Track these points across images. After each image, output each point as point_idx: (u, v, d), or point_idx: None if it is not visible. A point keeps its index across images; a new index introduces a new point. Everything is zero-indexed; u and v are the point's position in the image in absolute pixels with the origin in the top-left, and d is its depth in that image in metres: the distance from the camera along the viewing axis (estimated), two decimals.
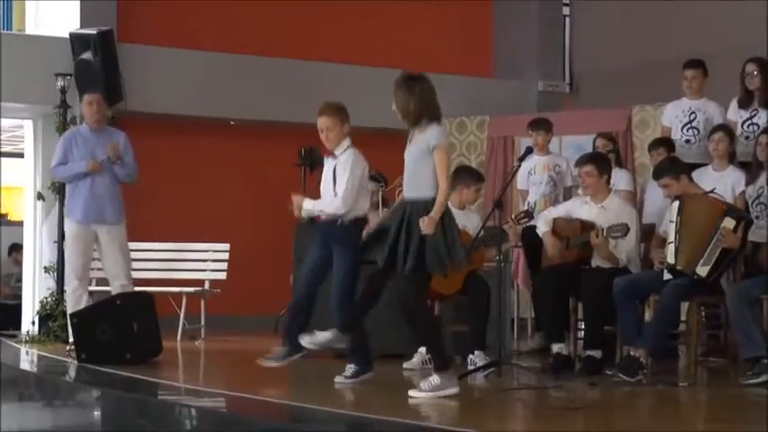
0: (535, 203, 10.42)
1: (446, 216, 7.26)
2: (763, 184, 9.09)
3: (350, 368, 8.00)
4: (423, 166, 7.30)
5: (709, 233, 8.38)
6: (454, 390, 7.23)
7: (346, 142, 8.02)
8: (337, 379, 7.99)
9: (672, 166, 8.92)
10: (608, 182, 9.23)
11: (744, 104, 9.75)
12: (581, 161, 9.22)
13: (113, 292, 9.87)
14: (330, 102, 8.10)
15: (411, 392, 7.21)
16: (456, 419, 6.61)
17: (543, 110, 13.34)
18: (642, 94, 12.78)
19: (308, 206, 8.03)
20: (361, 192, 7.92)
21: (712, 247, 8.35)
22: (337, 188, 7.90)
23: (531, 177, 10.57)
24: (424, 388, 7.19)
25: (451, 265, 7.30)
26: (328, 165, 8.08)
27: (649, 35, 13.68)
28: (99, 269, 10.38)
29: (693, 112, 10.12)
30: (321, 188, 8.13)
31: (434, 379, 7.22)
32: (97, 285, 10.50)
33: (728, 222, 8.38)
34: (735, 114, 9.81)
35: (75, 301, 9.86)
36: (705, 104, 10.14)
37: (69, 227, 10.03)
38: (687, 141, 10.06)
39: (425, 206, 7.22)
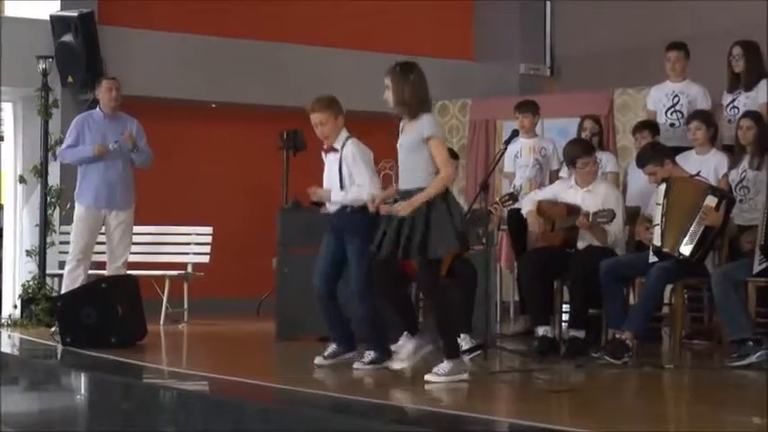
0: (521, 186, 10.42)
1: (448, 200, 7.22)
2: (745, 168, 9.13)
3: (369, 354, 7.95)
4: (417, 157, 7.25)
5: (692, 213, 8.43)
6: (465, 375, 7.19)
7: (344, 134, 8.01)
8: (355, 365, 7.93)
9: (655, 152, 8.94)
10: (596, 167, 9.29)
11: (730, 88, 9.78)
12: (580, 153, 9.11)
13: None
14: (321, 96, 8.05)
15: (427, 377, 7.12)
16: (443, 402, 6.62)
17: (525, 93, 13.32)
18: (624, 77, 12.78)
19: (338, 197, 7.95)
20: (373, 178, 7.92)
21: (695, 225, 8.41)
22: (356, 178, 7.89)
23: (518, 160, 10.55)
24: (440, 372, 7.14)
25: (461, 245, 7.34)
26: (330, 160, 8.04)
27: (631, 18, 13.69)
28: (97, 253, 10.43)
29: (677, 95, 10.14)
30: (325, 183, 8.08)
31: (446, 365, 7.15)
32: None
33: (711, 201, 8.44)
34: (724, 99, 9.84)
35: (70, 282, 10.01)
36: (688, 87, 10.16)
37: (78, 210, 10.20)
38: (672, 125, 10.09)
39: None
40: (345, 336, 8.08)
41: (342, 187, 7.95)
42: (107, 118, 10.26)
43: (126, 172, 10.24)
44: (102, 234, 10.30)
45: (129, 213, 10.26)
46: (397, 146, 7.39)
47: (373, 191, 7.85)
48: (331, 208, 8.07)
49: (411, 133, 7.28)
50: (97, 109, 10.40)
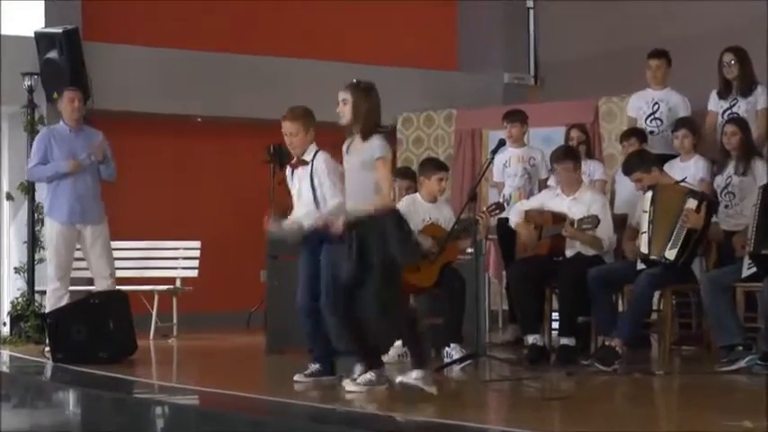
0: (510, 196, 10.44)
1: (400, 220, 7.22)
2: (731, 174, 9.19)
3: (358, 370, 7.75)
4: (367, 177, 7.24)
5: (675, 217, 8.49)
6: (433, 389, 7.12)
7: (313, 147, 7.97)
8: (296, 377, 7.92)
9: (641, 160, 9.01)
10: (579, 174, 9.31)
11: (723, 95, 9.84)
12: (558, 158, 9.24)
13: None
14: (294, 107, 8.04)
15: (345, 386, 7.21)
16: (435, 412, 6.63)
17: (509, 102, 13.37)
18: (608, 84, 12.82)
19: (310, 221, 7.82)
20: (336, 196, 7.80)
21: (678, 229, 8.48)
22: (326, 191, 7.84)
23: (507, 170, 10.55)
24: (360, 381, 7.19)
25: (402, 262, 7.26)
26: (300, 175, 7.98)
27: (614, 26, 13.73)
28: (79, 269, 10.36)
29: (657, 103, 10.24)
30: (295, 199, 8.03)
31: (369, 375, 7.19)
32: (75, 285, 10.41)
33: (691, 203, 8.52)
34: (715, 105, 9.90)
35: (55, 301, 9.81)
36: (668, 95, 10.24)
37: (52, 227, 9.99)
38: (651, 132, 10.16)
39: (376, 217, 7.15)
40: (327, 356, 7.97)
41: (315, 199, 7.88)
42: (72, 131, 10.02)
43: (95, 185, 10.03)
44: (79, 250, 10.14)
45: (103, 227, 10.04)
46: (345, 166, 7.36)
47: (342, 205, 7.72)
48: (306, 221, 7.91)
49: (362, 154, 7.24)
50: (60, 123, 10.17)
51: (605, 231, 8.93)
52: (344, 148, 7.39)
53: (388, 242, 7.11)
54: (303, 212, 7.95)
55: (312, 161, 7.92)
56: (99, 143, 9.97)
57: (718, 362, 8.17)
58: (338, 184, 7.77)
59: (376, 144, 7.23)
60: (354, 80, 7.37)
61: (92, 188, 9.99)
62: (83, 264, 10.25)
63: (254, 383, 8.45)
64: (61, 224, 9.93)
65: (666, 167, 9.27)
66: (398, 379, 7.16)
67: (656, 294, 8.84)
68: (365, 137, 7.25)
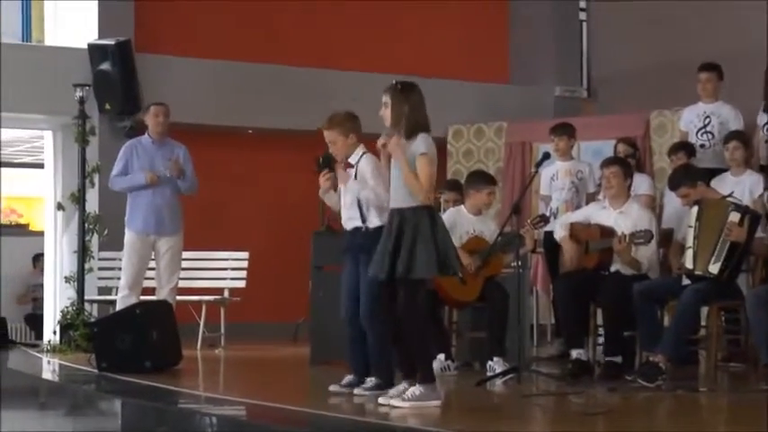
0: (557, 209, 10.38)
1: (436, 223, 7.18)
2: None
3: (370, 380, 7.78)
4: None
5: (719, 231, 8.41)
6: (437, 402, 7.11)
7: (359, 150, 7.93)
8: (356, 390, 7.76)
9: (686, 174, 8.94)
10: (629, 187, 9.23)
11: (767, 108, 9.74)
12: (607, 162, 9.20)
13: None
14: (333, 114, 8.01)
15: (392, 402, 7.11)
16: (476, 425, 6.60)
17: (560, 115, 13.32)
18: (660, 98, 12.75)
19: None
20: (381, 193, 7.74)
21: (721, 243, 8.39)
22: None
23: (554, 183, 10.50)
24: (408, 397, 7.08)
25: (443, 270, 7.22)
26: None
27: (667, 39, 13.66)
28: (149, 278, 10.59)
29: (708, 116, 10.17)
30: (342, 201, 7.98)
31: (417, 389, 7.10)
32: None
33: (734, 216, 8.43)
34: (761, 119, 9.82)
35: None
36: (720, 108, 10.17)
37: (128, 237, 10.37)
38: (702, 146, 10.08)
39: (414, 212, 7.14)
40: (364, 368, 7.89)
41: (358, 201, 7.81)
42: (155, 144, 10.45)
43: (173, 197, 10.42)
44: (153, 260, 10.43)
45: (177, 239, 10.42)
46: (392, 165, 7.33)
47: (383, 196, 7.64)
48: (347, 225, 7.94)
49: (406, 153, 7.19)
50: (146, 135, 10.58)
51: (648, 250, 8.84)
52: None
53: (417, 246, 7.07)
54: (347, 216, 7.94)
55: (357, 164, 7.92)
56: (174, 160, 10.24)
57: (764, 380, 8.06)
58: (381, 185, 7.70)
59: (419, 142, 7.20)
60: (394, 81, 7.37)
61: (169, 200, 10.37)
62: (150, 273, 10.48)
63: (296, 395, 8.44)
64: (136, 234, 10.32)
65: (717, 181, 9.19)
66: (392, 401, 7.11)
67: (705, 310, 8.77)
68: (409, 137, 7.23)
